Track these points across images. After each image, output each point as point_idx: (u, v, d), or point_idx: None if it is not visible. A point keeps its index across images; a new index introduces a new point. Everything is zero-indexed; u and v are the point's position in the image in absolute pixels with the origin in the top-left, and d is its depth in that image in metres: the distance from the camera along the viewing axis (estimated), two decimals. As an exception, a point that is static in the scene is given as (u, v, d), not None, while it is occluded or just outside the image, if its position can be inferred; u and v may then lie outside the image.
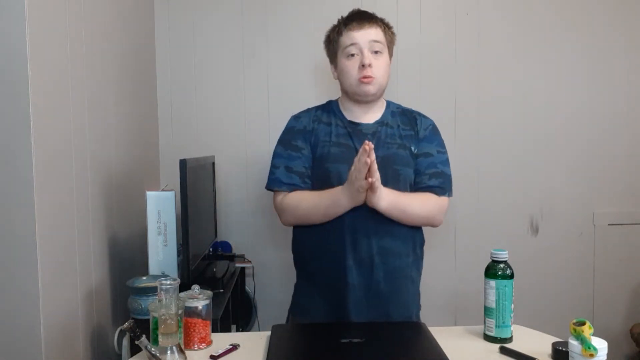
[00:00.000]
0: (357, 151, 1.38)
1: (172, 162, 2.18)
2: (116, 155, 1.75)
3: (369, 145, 1.25)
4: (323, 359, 1.13)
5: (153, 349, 1.07)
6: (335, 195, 1.40)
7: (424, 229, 1.55)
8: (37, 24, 1.19)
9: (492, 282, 1.24)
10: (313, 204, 1.45)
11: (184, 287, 1.24)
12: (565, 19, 2.41)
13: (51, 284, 1.23)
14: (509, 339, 1.24)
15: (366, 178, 1.29)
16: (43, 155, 1.20)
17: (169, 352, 1.08)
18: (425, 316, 1.57)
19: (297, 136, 1.53)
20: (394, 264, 1.46)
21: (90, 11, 1.53)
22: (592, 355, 0.99)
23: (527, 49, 2.41)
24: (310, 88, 2.34)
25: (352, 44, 1.48)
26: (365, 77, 1.46)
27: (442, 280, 2.40)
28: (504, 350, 1.19)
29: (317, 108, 1.59)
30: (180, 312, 1.15)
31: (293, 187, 1.48)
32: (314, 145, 1.51)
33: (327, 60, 1.61)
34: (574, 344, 1.02)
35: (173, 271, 1.62)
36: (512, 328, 1.25)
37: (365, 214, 1.41)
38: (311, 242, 1.51)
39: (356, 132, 1.50)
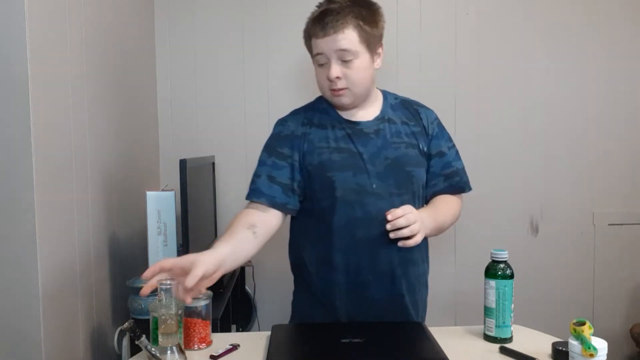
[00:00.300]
0: (360, 155, 1.34)
1: (172, 162, 2.19)
2: (116, 155, 1.75)
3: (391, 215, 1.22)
4: (323, 359, 1.13)
5: (153, 349, 1.07)
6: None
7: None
8: (37, 24, 1.19)
9: (492, 282, 1.24)
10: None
11: (184, 287, 1.24)
12: (565, 19, 2.41)
13: (51, 284, 1.24)
14: (509, 339, 1.24)
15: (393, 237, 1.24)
16: (43, 155, 1.20)
17: (169, 352, 1.08)
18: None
19: (284, 143, 1.37)
20: (415, 272, 1.41)
21: (90, 11, 1.53)
22: (592, 355, 0.99)
23: (527, 49, 2.41)
24: (310, 88, 2.33)
25: (318, 54, 1.34)
26: (334, 90, 1.33)
27: (442, 280, 2.39)
28: (504, 350, 1.19)
29: (305, 109, 1.45)
30: (180, 312, 1.15)
31: (272, 201, 1.33)
32: (306, 152, 1.36)
33: None
34: (574, 344, 1.02)
35: (173, 271, 1.62)
36: (512, 328, 1.25)
37: (379, 225, 1.28)
38: (315, 258, 1.42)
39: (356, 133, 1.36)
